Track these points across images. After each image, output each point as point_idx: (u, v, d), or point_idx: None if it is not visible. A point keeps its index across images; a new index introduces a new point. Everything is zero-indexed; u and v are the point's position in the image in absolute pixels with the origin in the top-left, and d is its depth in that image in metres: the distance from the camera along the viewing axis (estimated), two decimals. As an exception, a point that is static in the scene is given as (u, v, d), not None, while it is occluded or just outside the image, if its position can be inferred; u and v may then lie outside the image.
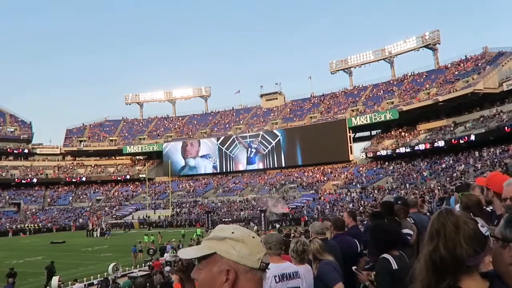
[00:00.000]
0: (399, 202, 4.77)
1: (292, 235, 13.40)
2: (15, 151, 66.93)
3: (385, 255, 3.01)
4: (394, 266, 2.92)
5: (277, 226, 36.65)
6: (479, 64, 50.29)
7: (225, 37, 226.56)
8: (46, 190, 65.56)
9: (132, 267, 20.90)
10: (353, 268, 3.73)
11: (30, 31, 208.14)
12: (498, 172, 3.61)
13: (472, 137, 40.58)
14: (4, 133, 68.00)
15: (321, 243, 3.73)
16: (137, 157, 74.28)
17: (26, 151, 68.12)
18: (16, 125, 71.10)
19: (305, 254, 3.50)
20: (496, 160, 35.96)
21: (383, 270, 2.99)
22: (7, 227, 52.30)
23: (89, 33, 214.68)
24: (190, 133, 71.21)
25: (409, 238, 4.31)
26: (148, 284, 9.21)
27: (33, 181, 64.07)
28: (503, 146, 37.94)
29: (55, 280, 15.75)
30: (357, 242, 4.70)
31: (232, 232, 1.10)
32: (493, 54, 50.18)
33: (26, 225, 53.65)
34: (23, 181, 63.26)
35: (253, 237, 1.12)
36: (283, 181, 56.85)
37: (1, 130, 68.22)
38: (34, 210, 59.86)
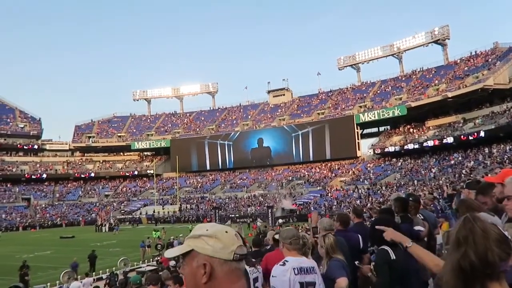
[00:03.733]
0: (410, 198, 4.77)
1: (300, 231, 13.41)
2: (25, 147, 67.67)
3: (384, 246, 3.12)
4: (392, 256, 3.04)
5: (280, 221, 36.69)
6: (489, 59, 49.65)
7: (232, 34, 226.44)
8: (56, 186, 66.26)
9: (140, 262, 21.09)
10: (356, 262, 3.79)
11: (38, 27, 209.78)
12: (511, 169, 3.61)
13: (482, 134, 40.13)
14: (14, 129, 68.75)
15: (335, 239, 3.74)
16: (145, 153, 74.76)
17: (35, 147, 68.81)
18: (25, 121, 71.84)
19: (306, 247, 3.54)
20: (506, 156, 35.54)
21: (381, 260, 3.13)
22: (18, 221, 53.06)
23: (97, 30, 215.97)
24: (198, 129, 71.43)
25: (420, 234, 4.32)
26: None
27: (43, 176, 64.76)
28: (513, 142, 37.48)
29: (63, 275, 15.95)
30: (360, 239, 4.68)
31: (207, 230, 1.23)
32: (504, 50, 49.46)
33: (36, 219, 54.31)
34: (33, 177, 63.98)
35: (227, 231, 1.24)
36: (290, 177, 56.84)
37: (11, 126, 69.00)
38: (43, 205, 60.55)
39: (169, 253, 1.30)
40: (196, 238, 1.22)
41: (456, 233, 1.18)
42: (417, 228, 4.33)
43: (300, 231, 14.23)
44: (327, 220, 4.51)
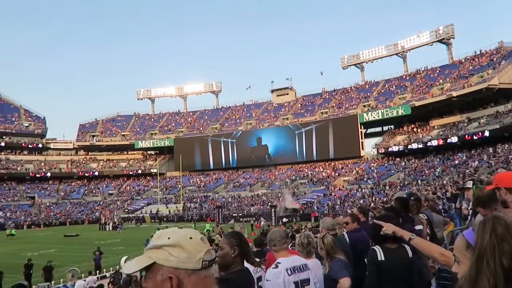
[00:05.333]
0: (412, 198, 4.77)
1: (303, 229, 13.43)
2: (29, 146, 68.01)
3: (374, 247, 3.16)
4: (380, 257, 3.07)
5: (284, 220, 36.71)
6: (494, 59, 49.38)
7: (235, 33, 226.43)
8: (60, 184, 66.57)
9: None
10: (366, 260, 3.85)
11: (40, 27, 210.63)
12: (504, 172, 3.57)
13: (486, 133, 39.96)
14: (19, 128, 69.13)
15: (334, 238, 3.75)
16: (149, 152, 74.93)
17: (40, 145, 69.17)
18: (30, 120, 72.21)
19: (310, 247, 3.54)
20: (510, 156, 35.35)
21: (369, 260, 3.20)
22: (23, 220, 53.37)
23: (99, 29, 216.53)
24: (201, 128, 71.53)
25: (421, 233, 4.32)
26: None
27: (47, 175, 65.04)
28: (518, 142, 37.27)
29: (68, 274, 16.01)
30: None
31: (168, 238, 1.11)
32: (509, 49, 49.14)
33: (40, 217, 54.55)
34: (37, 175, 64.27)
35: (191, 237, 1.12)
36: (293, 177, 56.80)
37: (16, 125, 69.37)
38: (48, 204, 60.84)
39: (127, 268, 1.12)
40: (158, 248, 1.10)
41: (491, 231, 1.13)
42: (417, 227, 4.33)
43: (303, 229, 14.24)
44: (329, 220, 4.52)
